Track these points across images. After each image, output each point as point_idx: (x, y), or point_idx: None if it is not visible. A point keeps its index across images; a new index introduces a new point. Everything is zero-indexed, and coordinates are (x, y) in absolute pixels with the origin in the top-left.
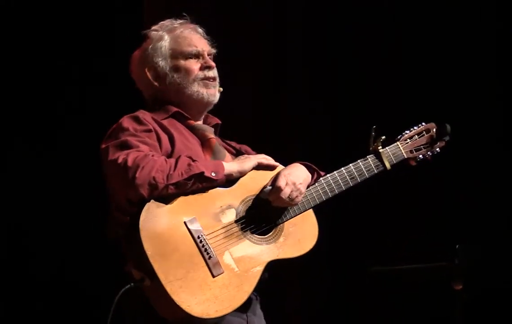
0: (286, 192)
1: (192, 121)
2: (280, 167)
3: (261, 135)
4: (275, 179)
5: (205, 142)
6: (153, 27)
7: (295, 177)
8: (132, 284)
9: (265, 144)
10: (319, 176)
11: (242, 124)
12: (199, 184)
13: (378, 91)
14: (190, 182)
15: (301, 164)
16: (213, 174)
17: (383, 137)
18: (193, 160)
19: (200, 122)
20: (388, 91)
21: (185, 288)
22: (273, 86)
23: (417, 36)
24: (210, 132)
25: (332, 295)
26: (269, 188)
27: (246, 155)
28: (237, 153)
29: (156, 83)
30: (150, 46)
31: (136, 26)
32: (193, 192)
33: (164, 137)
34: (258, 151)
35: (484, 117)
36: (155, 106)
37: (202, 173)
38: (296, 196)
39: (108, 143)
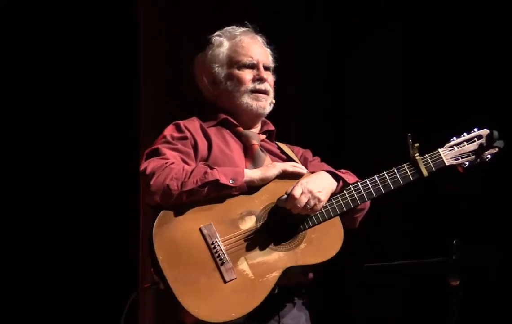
0: (301, 200)
1: (240, 128)
2: (308, 174)
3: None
4: (292, 188)
5: (248, 149)
6: (216, 33)
7: (313, 185)
8: (148, 285)
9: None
10: (346, 183)
11: None
12: (216, 191)
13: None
14: (205, 189)
15: (327, 171)
16: (231, 181)
17: (417, 144)
18: (211, 168)
19: (255, 130)
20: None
21: (195, 293)
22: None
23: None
24: (254, 139)
25: (327, 292)
26: (284, 196)
27: (274, 163)
28: (288, 160)
29: (211, 89)
30: (210, 52)
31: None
32: (212, 199)
33: (203, 144)
34: None
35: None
36: (208, 111)
37: (217, 180)
38: (315, 204)
39: (145, 152)
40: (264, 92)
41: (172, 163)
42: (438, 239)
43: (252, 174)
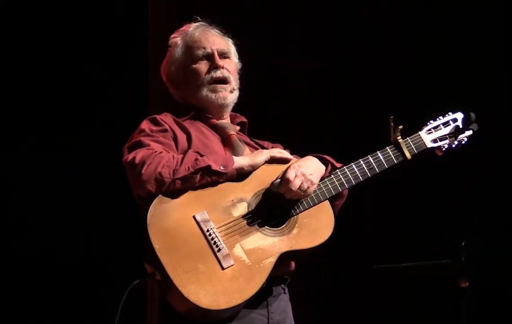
0: (296, 183)
1: (214, 120)
2: (294, 160)
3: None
4: (285, 171)
5: (226, 139)
6: (172, 35)
7: (305, 168)
8: (138, 280)
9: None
10: (334, 167)
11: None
12: (207, 177)
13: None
14: (197, 175)
15: (314, 156)
16: (221, 168)
17: (401, 127)
18: (201, 155)
19: (226, 121)
20: (407, 80)
21: (194, 280)
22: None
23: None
24: (231, 130)
25: (336, 293)
26: (278, 180)
27: (260, 150)
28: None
29: (177, 91)
30: (169, 55)
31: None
32: (203, 186)
33: (182, 136)
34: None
35: (491, 111)
36: (182, 109)
37: (209, 166)
38: (308, 187)
39: (125, 146)
40: (222, 80)
41: (161, 152)
42: (447, 241)
43: (241, 160)
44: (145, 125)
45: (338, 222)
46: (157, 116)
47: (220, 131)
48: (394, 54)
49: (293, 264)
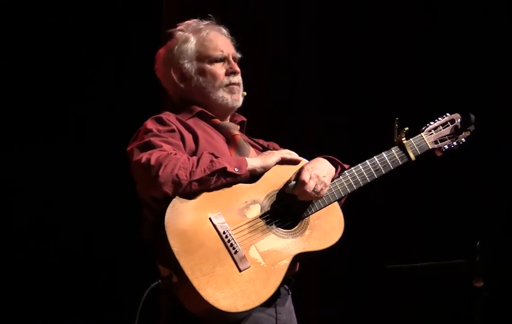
0: (310, 185)
1: (217, 120)
2: (304, 161)
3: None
4: (299, 173)
5: (230, 139)
6: (179, 27)
7: (319, 170)
8: (159, 281)
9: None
10: (343, 168)
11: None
12: (223, 179)
13: (400, 84)
14: (213, 177)
15: (324, 157)
16: (236, 169)
17: (406, 128)
18: (216, 157)
19: (226, 121)
20: (410, 83)
21: (212, 283)
22: (289, 83)
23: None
24: (235, 129)
25: (350, 293)
26: (293, 182)
27: (269, 151)
28: (263, 150)
29: (181, 85)
30: (176, 47)
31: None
32: (217, 188)
33: (188, 137)
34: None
35: (505, 110)
36: (181, 106)
37: (225, 168)
38: (321, 189)
39: (133, 146)
40: (238, 84)
41: (175, 153)
42: (462, 240)
43: (253, 162)
44: (152, 125)
45: (353, 221)
46: (162, 116)
47: (223, 131)
48: (399, 56)
49: (298, 264)
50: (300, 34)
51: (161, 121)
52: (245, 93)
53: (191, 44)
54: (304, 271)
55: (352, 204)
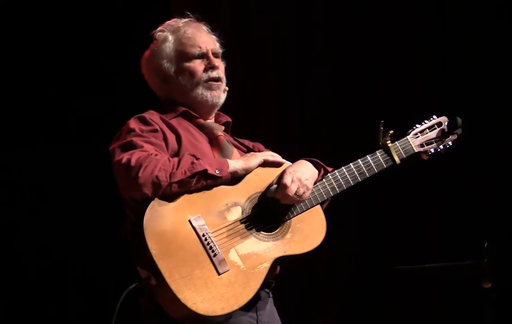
0: (292, 189)
1: (201, 120)
2: (287, 163)
3: (285, 135)
4: (281, 176)
5: (213, 140)
6: (159, 28)
7: (301, 173)
8: (136, 283)
9: (289, 144)
10: (326, 171)
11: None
12: (203, 181)
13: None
14: (194, 179)
15: (307, 159)
16: (217, 171)
17: (391, 131)
18: (197, 159)
19: (211, 121)
20: (404, 86)
21: (191, 286)
22: (296, 85)
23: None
24: (218, 130)
25: (359, 294)
26: (275, 186)
27: (252, 152)
28: (248, 151)
29: (164, 85)
30: (156, 48)
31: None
32: (198, 190)
33: (171, 137)
34: (283, 150)
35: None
36: (166, 105)
37: (205, 170)
38: (304, 192)
39: (115, 145)
40: (218, 80)
41: (156, 154)
42: (470, 242)
43: (235, 164)
44: (134, 124)
45: (361, 224)
46: (145, 115)
47: (206, 131)
48: (387, 57)
49: (278, 268)
50: (311, 38)
51: (144, 121)
52: (226, 88)
53: (170, 43)
54: (315, 273)
55: (360, 207)
